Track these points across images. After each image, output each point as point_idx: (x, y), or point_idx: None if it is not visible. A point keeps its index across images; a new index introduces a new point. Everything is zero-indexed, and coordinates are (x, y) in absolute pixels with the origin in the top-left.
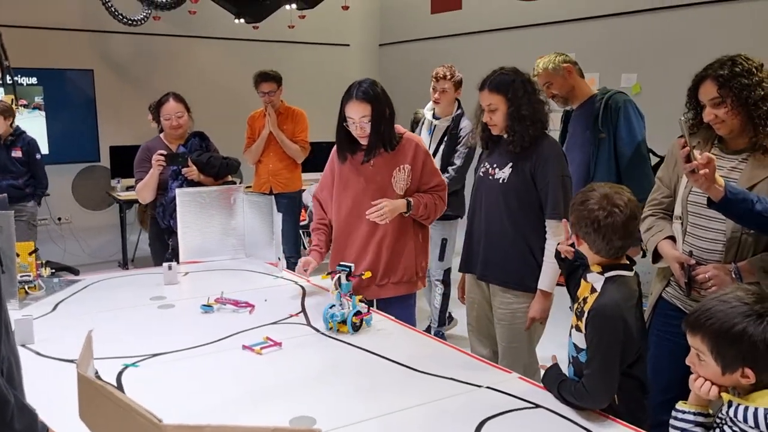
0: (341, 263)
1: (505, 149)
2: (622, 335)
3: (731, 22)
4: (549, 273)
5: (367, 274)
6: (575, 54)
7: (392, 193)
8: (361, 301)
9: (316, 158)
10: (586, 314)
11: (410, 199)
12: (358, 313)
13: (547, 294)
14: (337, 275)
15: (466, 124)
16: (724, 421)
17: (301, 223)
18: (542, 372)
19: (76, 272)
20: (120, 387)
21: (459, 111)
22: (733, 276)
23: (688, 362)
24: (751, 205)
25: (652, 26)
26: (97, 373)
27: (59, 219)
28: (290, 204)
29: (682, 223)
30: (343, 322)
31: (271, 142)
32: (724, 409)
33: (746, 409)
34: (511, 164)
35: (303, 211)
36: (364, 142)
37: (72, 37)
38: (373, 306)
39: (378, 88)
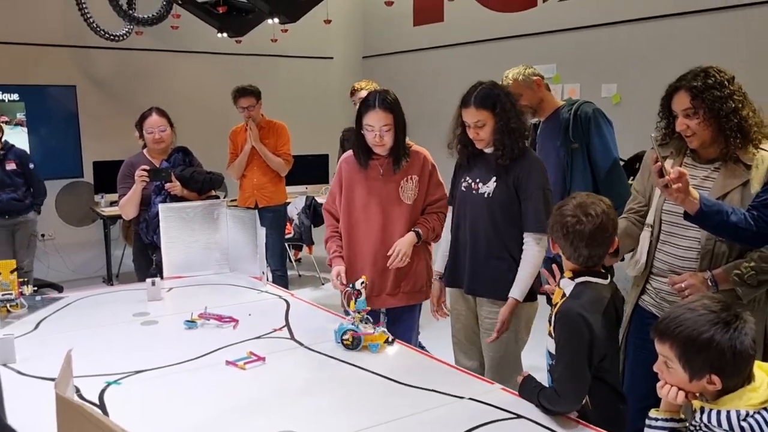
0: (351, 283)
1: (488, 163)
2: (587, 336)
3: (709, 33)
4: (521, 282)
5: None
6: (556, 65)
7: (400, 202)
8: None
9: (300, 172)
10: (554, 318)
11: (418, 230)
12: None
13: (516, 302)
14: (353, 296)
15: None
16: (698, 428)
17: (287, 236)
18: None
19: (59, 289)
20: (102, 405)
21: None
22: (709, 284)
23: (656, 369)
24: (726, 216)
25: (632, 37)
26: (78, 391)
27: (42, 235)
28: (275, 217)
29: (652, 232)
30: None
31: (254, 156)
32: (697, 416)
33: (719, 413)
34: (495, 178)
35: (288, 224)
36: (379, 151)
37: (54, 53)
38: (380, 317)
39: (395, 97)
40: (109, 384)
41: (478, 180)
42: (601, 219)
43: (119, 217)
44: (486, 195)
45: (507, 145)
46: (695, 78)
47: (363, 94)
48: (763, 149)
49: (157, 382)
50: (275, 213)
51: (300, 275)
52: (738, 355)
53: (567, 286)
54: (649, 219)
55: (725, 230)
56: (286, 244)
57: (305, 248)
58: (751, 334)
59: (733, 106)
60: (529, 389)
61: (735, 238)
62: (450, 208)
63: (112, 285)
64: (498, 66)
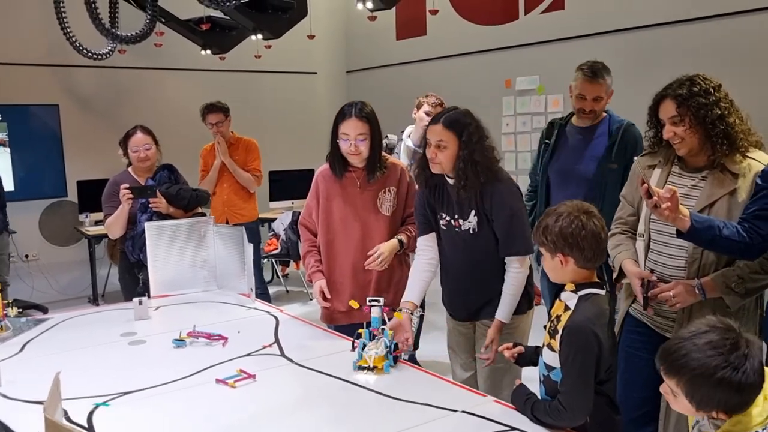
0: (372, 299)
1: (457, 196)
2: (596, 351)
3: (693, 42)
4: (506, 305)
5: (398, 315)
6: (539, 76)
7: (378, 214)
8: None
9: (286, 187)
10: (560, 332)
11: (401, 237)
12: (396, 347)
13: (502, 324)
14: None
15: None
16: None
17: (274, 252)
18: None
19: (44, 310)
20: (91, 427)
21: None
22: (697, 292)
23: (662, 392)
24: (718, 231)
25: (615, 48)
26: (66, 414)
27: (26, 256)
28: (248, 235)
29: (644, 241)
30: (385, 356)
31: (223, 173)
32: None
33: None
34: (474, 212)
35: (275, 240)
36: (354, 161)
37: (36, 72)
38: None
39: (372, 109)
40: (97, 406)
41: (456, 216)
42: (600, 227)
43: (104, 236)
44: (471, 231)
45: (469, 177)
46: (681, 86)
47: (426, 108)
48: (750, 157)
49: (147, 403)
50: (248, 230)
51: (288, 291)
52: (745, 390)
53: (570, 299)
54: (640, 229)
55: (719, 245)
56: (267, 260)
57: (292, 264)
58: (758, 358)
59: (719, 113)
60: (520, 399)
61: (729, 251)
62: (428, 236)
63: (98, 305)
64: (481, 79)
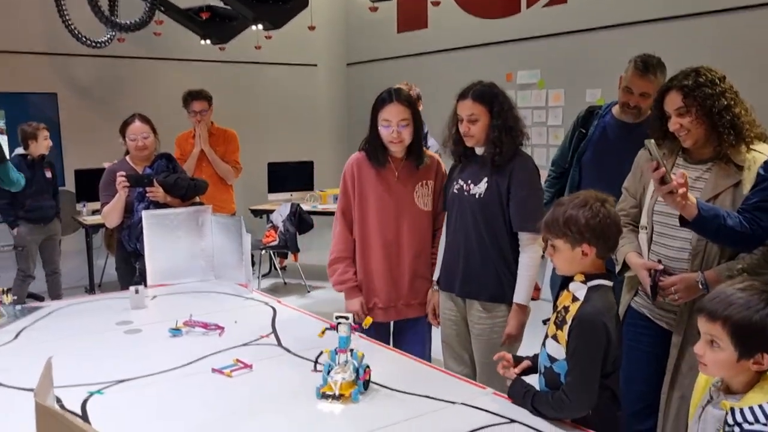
0: (339, 315)
1: (480, 164)
2: (605, 343)
3: (694, 37)
4: (524, 285)
5: (368, 321)
6: (540, 70)
7: (414, 207)
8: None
9: (285, 179)
10: (569, 323)
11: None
12: (366, 369)
13: (523, 307)
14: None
15: (432, 143)
16: (732, 427)
17: (272, 244)
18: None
19: (40, 299)
20: (84, 415)
21: (425, 130)
22: (700, 287)
23: (697, 350)
24: (723, 220)
25: (616, 42)
26: (60, 401)
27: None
28: None
29: (647, 233)
30: (353, 381)
31: (201, 162)
32: (729, 418)
33: (752, 409)
34: (486, 179)
35: (273, 231)
36: (395, 149)
37: (35, 60)
38: (390, 328)
39: (410, 94)
40: (91, 394)
41: (469, 181)
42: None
43: (102, 225)
44: (477, 196)
45: (505, 143)
46: (686, 77)
47: None
48: (755, 150)
49: (141, 392)
50: None
51: (285, 283)
52: None
53: (578, 289)
54: (643, 221)
55: (722, 234)
56: (265, 252)
57: (290, 256)
58: None
59: (725, 103)
60: (519, 392)
61: (732, 241)
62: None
63: (94, 294)
64: (481, 72)
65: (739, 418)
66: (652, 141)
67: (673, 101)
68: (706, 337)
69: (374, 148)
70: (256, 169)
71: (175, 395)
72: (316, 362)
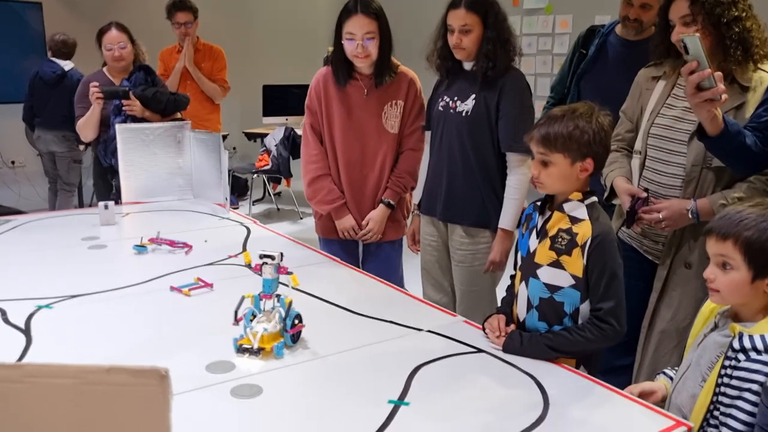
0: (264, 254)
1: (469, 80)
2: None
3: None
4: (510, 210)
5: (295, 279)
6: None
7: (381, 130)
8: None
9: (281, 102)
10: (581, 244)
11: (389, 200)
12: (297, 319)
13: (508, 233)
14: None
15: None
16: (735, 356)
17: (264, 168)
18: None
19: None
20: (28, 329)
21: None
22: (690, 216)
23: (707, 275)
24: (744, 138)
25: None
26: (5, 314)
27: (12, 162)
28: None
29: (640, 158)
30: (279, 333)
31: (186, 80)
32: (735, 342)
33: (763, 337)
34: (474, 96)
35: (266, 155)
36: (361, 64)
37: None
38: (359, 248)
39: (380, 5)
40: (39, 308)
41: (456, 98)
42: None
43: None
44: (464, 113)
45: (499, 57)
46: None
47: None
48: (762, 69)
49: (92, 307)
50: None
51: (279, 209)
52: None
53: (575, 209)
54: (638, 145)
55: (740, 154)
56: (258, 176)
57: (283, 181)
58: None
59: (736, 14)
60: (517, 342)
61: (745, 162)
62: (428, 133)
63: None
64: None
65: (747, 344)
66: (697, 35)
67: (679, 8)
68: (717, 258)
69: (338, 64)
70: (251, 92)
71: (125, 312)
72: (236, 313)
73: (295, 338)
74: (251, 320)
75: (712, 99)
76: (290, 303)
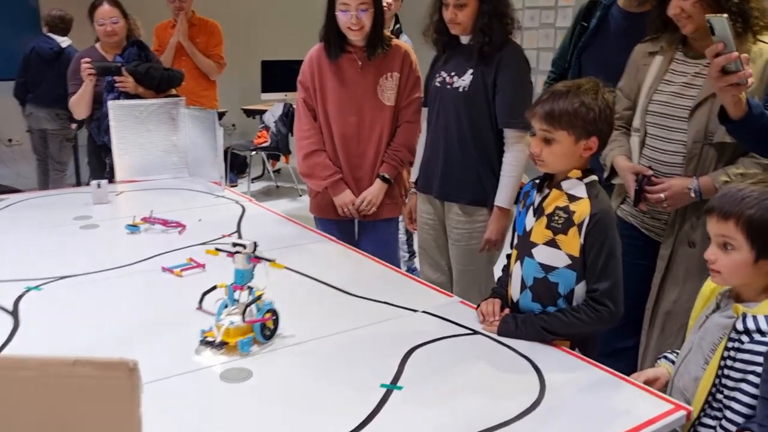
0: (236, 242)
1: (466, 54)
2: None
3: None
4: (507, 187)
5: (276, 264)
6: None
7: (376, 101)
8: None
9: (280, 78)
10: (578, 222)
11: (385, 174)
12: (270, 313)
13: (505, 211)
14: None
15: (405, 40)
16: (738, 338)
17: (263, 145)
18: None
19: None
20: (16, 312)
21: (397, 26)
22: (693, 195)
23: (708, 256)
24: (766, 119)
25: None
26: None
27: (9, 140)
28: None
29: (640, 136)
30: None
31: (181, 56)
32: (738, 324)
33: (766, 318)
34: (471, 71)
35: (265, 132)
36: (354, 37)
37: None
38: (354, 227)
39: None
40: (28, 289)
41: (453, 73)
42: None
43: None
44: (461, 89)
45: (495, 31)
46: None
47: None
48: (762, 41)
49: (82, 289)
50: None
51: (278, 186)
52: None
53: (574, 187)
54: (636, 123)
55: (764, 135)
56: (257, 153)
57: (282, 158)
58: None
59: None
60: (512, 325)
61: (764, 144)
62: (425, 110)
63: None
64: None
65: (751, 326)
66: (725, 16)
67: None
68: (718, 239)
69: (330, 36)
70: (250, 68)
71: (115, 293)
72: (201, 300)
73: (269, 335)
74: (222, 312)
75: (738, 83)
76: (260, 295)
